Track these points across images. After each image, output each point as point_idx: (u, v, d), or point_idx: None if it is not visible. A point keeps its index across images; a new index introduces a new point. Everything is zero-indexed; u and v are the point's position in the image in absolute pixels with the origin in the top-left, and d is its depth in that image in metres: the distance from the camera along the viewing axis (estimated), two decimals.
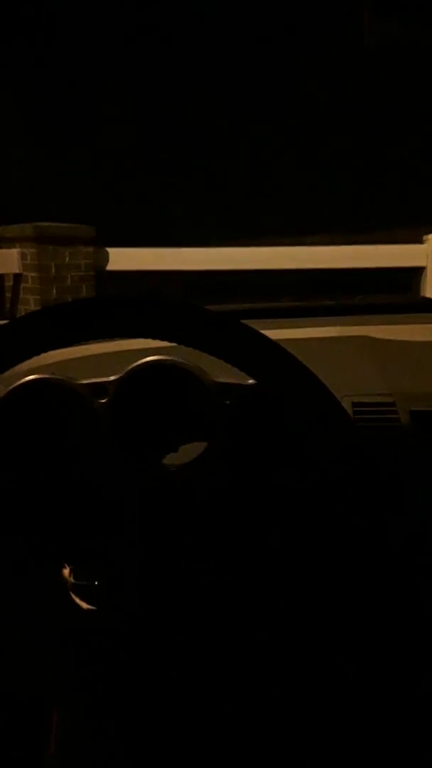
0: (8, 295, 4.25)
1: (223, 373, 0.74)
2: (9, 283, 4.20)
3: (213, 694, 0.67)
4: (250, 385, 0.73)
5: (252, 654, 0.67)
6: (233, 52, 4.60)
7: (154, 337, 0.61)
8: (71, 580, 0.67)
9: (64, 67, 4.62)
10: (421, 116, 4.49)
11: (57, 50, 4.60)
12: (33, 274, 4.05)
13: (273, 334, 1.10)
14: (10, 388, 0.77)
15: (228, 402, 0.75)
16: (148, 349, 0.80)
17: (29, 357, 0.64)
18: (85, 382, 0.77)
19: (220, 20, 4.46)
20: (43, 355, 0.68)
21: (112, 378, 0.77)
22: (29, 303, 4.12)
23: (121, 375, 0.77)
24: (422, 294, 4.44)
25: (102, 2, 4.42)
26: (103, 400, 0.76)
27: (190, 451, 0.78)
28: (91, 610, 0.66)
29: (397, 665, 0.66)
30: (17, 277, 4.12)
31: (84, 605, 0.66)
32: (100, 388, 0.77)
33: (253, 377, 0.62)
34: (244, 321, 1.24)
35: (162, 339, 0.61)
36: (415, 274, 4.53)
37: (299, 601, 0.67)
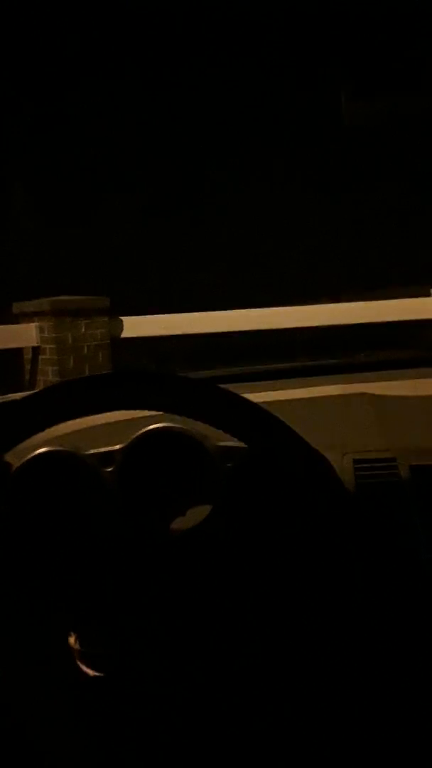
0: (27, 367, 4.37)
1: (225, 437, 0.76)
2: (28, 355, 4.32)
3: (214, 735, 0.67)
4: (249, 448, 0.76)
5: (258, 709, 0.67)
6: (237, 129, 4.85)
7: (141, 408, 0.65)
8: (77, 647, 0.68)
9: (75, 145, 4.89)
10: (420, 183, 4.65)
11: (66, 127, 4.88)
12: (51, 346, 4.18)
13: (276, 394, 1.14)
14: (23, 460, 0.81)
15: (230, 465, 0.78)
16: (152, 417, 0.83)
17: (35, 433, 0.68)
18: (92, 452, 0.81)
19: (225, 99, 4.73)
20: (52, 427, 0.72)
21: (117, 447, 0.80)
22: (47, 374, 4.22)
23: (126, 443, 0.80)
24: None
25: (109, 82, 4.72)
26: (110, 469, 0.79)
27: (198, 515, 0.80)
28: (98, 677, 0.67)
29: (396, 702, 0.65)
30: (35, 350, 4.25)
31: (90, 672, 0.67)
32: (106, 457, 0.80)
33: (239, 439, 0.65)
34: (248, 383, 1.27)
35: (149, 409, 0.65)
36: (423, 327, 4.58)
37: (305, 655, 0.67)
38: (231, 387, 0.75)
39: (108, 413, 0.98)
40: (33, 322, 4.21)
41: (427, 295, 4.59)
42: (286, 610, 0.69)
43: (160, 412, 0.74)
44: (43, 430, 0.68)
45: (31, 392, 0.69)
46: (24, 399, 0.70)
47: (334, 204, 4.80)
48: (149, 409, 0.65)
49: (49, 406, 0.66)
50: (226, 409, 0.64)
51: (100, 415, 0.98)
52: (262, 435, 0.63)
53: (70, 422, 0.83)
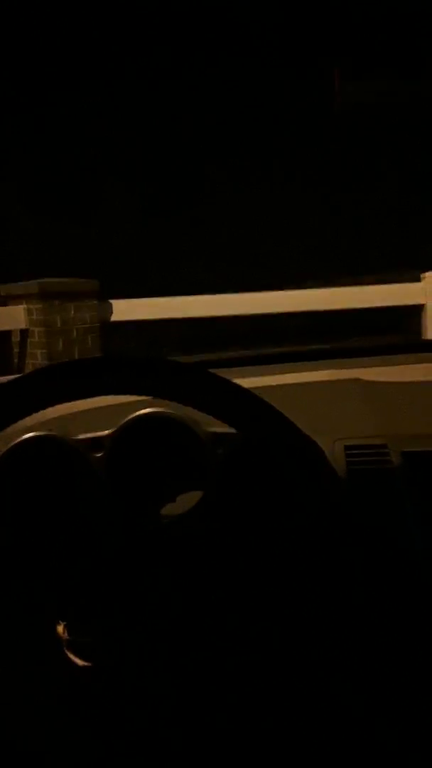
0: (16, 350, 4.33)
1: (216, 423, 0.76)
2: (16, 338, 4.28)
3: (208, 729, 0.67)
4: (240, 434, 0.75)
5: (250, 698, 0.67)
6: (228, 113, 4.80)
7: (130, 393, 0.64)
8: (66, 636, 0.67)
9: (66, 128, 4.82)
10: (413, 166, 4.64)
11: (59, 114, 4.81)
12: (39, 329, 4.14)
13: (267, 380, 1.13)
14: (10, 445, 0.80)
15: (221, 451, 0.77)
16: (142, 402, 0.82)
17: (22, 417, 0.67)
18: (81, 437, 0.80)
19: (219, 83, 4.67)
20: (40, 412, 0.71)
21: (107, 432, 0.79)
22: (36, 357, 4.19)
23: (116, 429, 0.79)
24: (423, 331, 4.48)
25: (103, 77, 4.65)
26: (100, 454, 0.78)
27: (188, 501, 0.79)
28: (86, 666, 0.67)
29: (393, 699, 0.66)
30: (24, 333, 4.21)
31: (79, 662, 0.67)
32: (96, 443, 0.79)
33: (230, 425, 0.65)
34: (239, 368, 1.26)
35: (138, 394, 0.64)
36: (413, 313, 4.58)
37: (296, 644, 0.67)
38: (222, 372, 0.74)
39: (98, 398, 0.97)
40: (21, 304, 4.16)
41: (418, 280, 4.59)
42: (277, 598, 0.68)
43: (151, 398, 0.73)
44: (30, 414, 0.67)
45: (18, 376, 0.67)
46: (10, 382, 0.68)
47: (327, 189, 4.78)
48: (139, 394, 0.64)
49: (37, 390, 0.65)
50: (216, 394, 0.63)
51: (89, 400, 0.97)
52: (253, 421, 0.63)
53: (59, 407, 0.82)
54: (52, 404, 0.67)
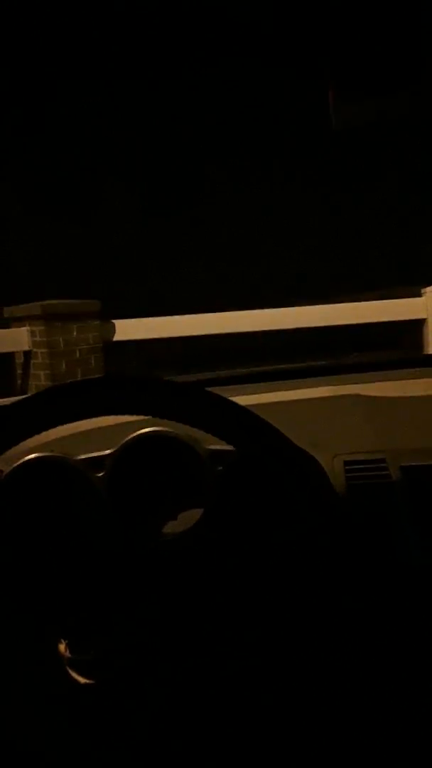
0: (19, 371, 4.35)
1: (215, 440, 0.76)
2: (19, 360, 4.31)
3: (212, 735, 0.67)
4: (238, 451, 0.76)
5: (250, 710, 0.67)
6: (231, 129, 4.86)
7: (129, 413, 0.65)
8: (68, 654, 0.68)
9: (68, 148, 4.88)
10: (413, 181, 4.68)
11: (59, 133, 4.87)
12: (42, 350, 4.16)
13: (266, 396, 1.14)
14: (13, 466, 0.81)
15: (220, 468, 0.78)
16: (142, 422, 0.83)
17: (24, 439, 0.68)
18: (82, 457, 0.81)
19: (220, 97, 4.73)
20: (43, 433, 0.72)
21: (107, 451, 0.80)
22: (40, 378, 4.21)
23: (116, 448, 0.80)
24: (425, 346, 4.49)
25: (104, 91, 4.72)
26: (101, 474, 0.79)
27: (189, 519, 0.80)
28: (88, 684, 0.67)
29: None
30: (27, 354, 4.23)
31: (81, 680, 0.67)
32: (97, 462, 0.80)
33: (227, 443, 0.66)
34: (239, 385, 1.27)
35: (136, 414, 0.65)
36: (412, 328, 4.60)
37: (296, 655, 0.67)
38: (222, 390, 0.76)
39: (98, 419, 0.98)
40: (24, 326, 4.19)
41: (418, 295, 4.61)
42: (277, 611, 0.69)
43: (150, 417, 0.74)
44: (32, 435, 0.68)
45: (20, 398, 0.69)
46: (13, 405, 0.69)
47: (327, 206, 4.83)
48: (138, 414, 0.65)
49: (39, 411, 0.66)
50: (213, 412, 0.64)
51: (90, 421, 0.98)
52: (249, 438, 0.64)
53: (60, 428, 0.83)
54: (55, 425, 0.68)
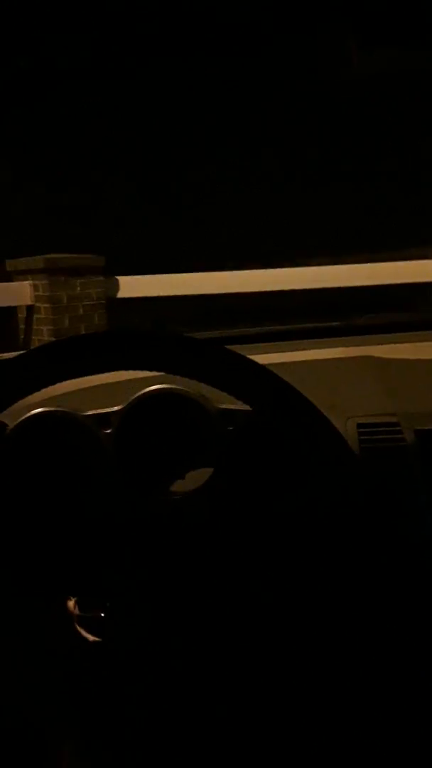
0: (22, 326, 4.32)
1: (226, 399, 0.74)
2: (22, 314, 4.27)
3: (216, 709, 0.67)
4: (251, 411, 0.74)
5: (257, 674, 0.67)
6: (231, 80, 4.71)
7: (144, 369, 0.62)
8: (77, 612, 0.67)
9: (70, 107, 4.75)
10: (427, 143, 4.54)
11: (62, 92, 4.73)
12: (45, 305, 4.11)
13: (278, 357, 1.11)
14: (18, 421, 0.79)
15: (231, 428, 0.76)
16: (151, 378, 0.81)
17: (30, 393, 0.66)
18: (90, 413, 0.79)
19: (216, 51, 4.57)
20: (49, 387, 0.70)
21: (116, 408, 0.78)
22: (42, 333, 4.18)
23: (125, 405, 0.78)
24: None
25: (103, 60, 4.55)
26: (108, 431, 0.78)
27: (198, 478, 0.78)
28: (97, 641, 0.67)
29: (396, 682, 0.66)
30: (30, 309, 4.19)
31: (90, 637, 0.67)
32: (104, 419, 0.78)
33: (245, 402, 0.63)
34: (250, 345, 1.25)
35: (152, 370, 0.62)
36: (426, 290, 4.52)
37: (301, 621, 0.67)
38: (232, 348, 0.73)
39: (106, 374, 0.96)
40: (27, 280, 4.14)
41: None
42: (287, 578, 0.68)
43: (161, 374, 0.72)
44: (41, 388, 0.66)
45: (25, 351, 0.66)
46: (17, 358, 0.67)
47: (338, 163, 4.69)
48: (155, 370, 0.63)
49: (49, 364, 0.64)
50: (233, 370, 0.62)
51: (98, 376, 0.96)
52: (268, 397, 0.61)
53: (68, 383, 0.81)
54: (64, 379, 0.66)
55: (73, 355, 0.62)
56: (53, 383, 0.67)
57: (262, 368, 0.62)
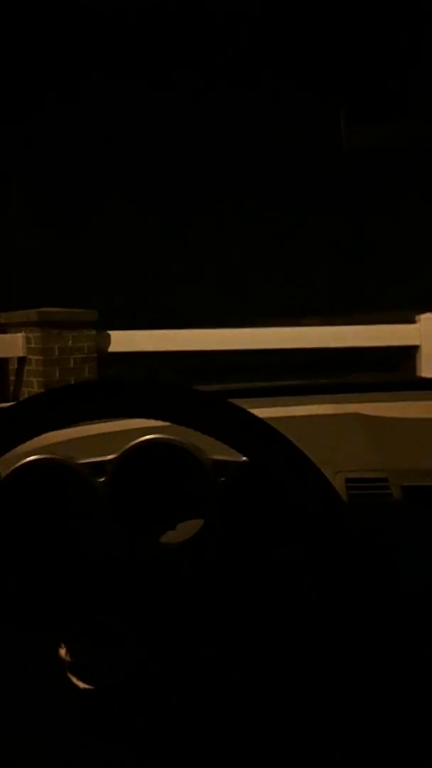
0: (12, 377, 4.33)
1: (219, 450, 0.76)
2: (13, 366, 4.29)
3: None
4: (244, 462, 0.76)
5: (249, 718, 0.66)
6: (228, 146, 4.92)
7: (146, 417, 0.64)
8: (68, 659, 0.66)
9: (68, 155, 4.91)
10: (412, 209, 4.74)
11: (59, 144, 4.90)
12: (37, 357, 4.15)
13: (268, 412, 1.14)
14: (12, 468, 0.80)
15: (223, 479, 0.77)
16: (145, 428, 0.82)
17: (28, 439, 0.67)
18: (84, 461, 0.80)
19: (222, 114, 4.78)
20: (44, 435, 0.71)
21: (110, 457, 0.80)
22: (33, 385, 4.19)
23: (118, 454, 0.79)
24: (418, 371, 4.52)
25: (103, 102, 4.75)
26: (102, 479, 0.78)
27: (189, 529, 0.79)
28: (88, 689, 0.66)
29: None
30: (21, 360, 4.22)
31: (80, 684, 0.66)
32: (98, 467, 0.79)
33: (243, 454, 0.65)
34: (240, 400, 1.27)
35: (154, 419, 0.64)
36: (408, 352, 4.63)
37: (298, 670, 0.66)
38: None
39: (103, 424, 0.97)
40: (20, 332, 4.18)
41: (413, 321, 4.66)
42: (279, 626, 0.68)
43: (155, 424, 0.73)
44: (41, 434, 0.67)
45: (21, 400, 0.68)
46: (14, 406, 0.68)
47: (329, 228, 4.87)
48: (154, 418, 0.64)
49: (52, 410, 0.65)
50: (232, 421, 0.64)
51: (94, 425, 0.97)
52: (266, 448, 0.63)
53: (62, 431, 0.82)
54: (65, 425, 0.67)
55: (75, 401, 0.64)
56: (51, 430, 0.68)
57: (260, 420, 0.64)
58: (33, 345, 4.15)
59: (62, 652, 0.66)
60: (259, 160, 4.91)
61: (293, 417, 1.12)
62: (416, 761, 0.64)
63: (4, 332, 4.26)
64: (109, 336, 4.38)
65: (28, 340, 4.17)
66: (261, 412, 1.04)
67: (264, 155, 4.89)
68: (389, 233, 4.82)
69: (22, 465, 0.79)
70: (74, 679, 0.66)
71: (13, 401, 0.80)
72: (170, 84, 4.57)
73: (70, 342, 4.21)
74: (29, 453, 0.80)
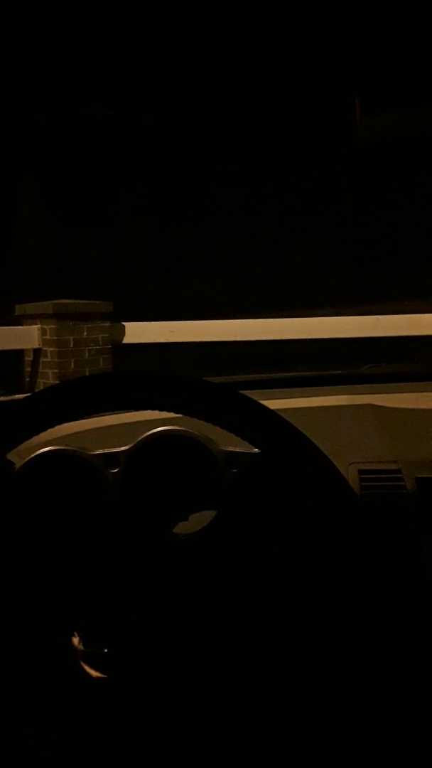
0: (28, 369, 4.36)
1: (231, 442, 0.76)
2: (29, 357, 4.32)
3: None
4: (256, 454, 0.76)
5: (257, 709, 0.67)
6: (240, 135, 4.89)
7: (159, 409, 0.64)
8: (81, 648, 0.67)
9: (80, 147, 4.91)
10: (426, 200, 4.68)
11: (75, 138, 4.91)
12: (52, 349, 4.17)
13: (281, 403, 1.14)
14: (26, 459, 0.81)
15: (235, 470, 0.77)
16: (158, 420, 0.83)
17: (43, 430, 0.67)
18: (97, 452, 0.80)
19: (231, 106, 4.75)
20: (58, 427, 0.72)
21: (123, 448, 0.80)
22: (48, 376, 4.22)
23: (132, 445, 0.80)
24: None
25: (117, 92, 4.74)
26: (115, 470, 0.79)
27: (201, 520, 0.79)
28: (101, 678, 0.66)
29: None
30: (37, 352, 4.25)
31: (94, 673, 0.67)
32: (112, 458, 0.80)
33: (254, 446, 0.65)
34: (253, 391, 1.27)
35: (166, 410, 0.64)
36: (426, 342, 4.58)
37: (304, 661, 0.66)
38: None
39: (116, 415, 0.98)
40: (35, 324, 4.21)
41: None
42: (288, 619, 0.68)
43: (168, 416, 0.73)
44: (54, 426, 0.67)
45: (36, 392, 0.68)
46: (32, 395, 0.69)
47: (343, 216, 4.83)
48: (167, 410, 0.65)
49: (66, 401, 0.65)
50: (244, 413, 0.64)
51: (107, 417, 0.98)
52: (277, 440, 0.63)
53: (75, 423, 0.83)
54: (78, 417, 0.67)
55: (89, 392, 0.64)
56: (65, 421, 0.68)
57: (271, 412, 0.64)
58: (48, 337, 4.18)
59: (75, 641, 0.67)
60: (273, 152, 4.87)
61: (306, 408, 1.12)
62: (427, 759, 0.64)
63: (20, 324, 4.29)
64: (123, 327, 4.40)
65: (43, 332, 4.20)
66: (274, 404, 1.04)
67: (276, 147, 4.85)
68: (402, 224, 4.77)
69: (36, 456, 0.80)
70: (87, 668, 0.66)
71: (28, 393, 0.81)
72: (182, 76, 4.55)
73: (85, 333, 4.24)
74: (43, 444, 0.81)
